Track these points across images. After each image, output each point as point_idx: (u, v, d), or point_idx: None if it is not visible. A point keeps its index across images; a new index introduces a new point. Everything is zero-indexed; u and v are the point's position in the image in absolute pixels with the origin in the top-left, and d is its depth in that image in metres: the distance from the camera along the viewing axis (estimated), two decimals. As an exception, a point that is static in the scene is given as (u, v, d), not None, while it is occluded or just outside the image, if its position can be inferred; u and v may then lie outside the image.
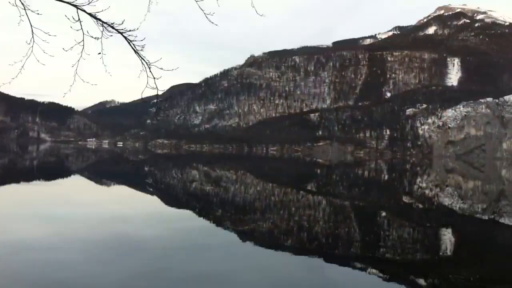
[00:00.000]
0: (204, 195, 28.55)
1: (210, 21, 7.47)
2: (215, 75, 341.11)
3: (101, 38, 7.41)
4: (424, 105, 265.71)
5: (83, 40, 7.39)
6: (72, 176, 42.57)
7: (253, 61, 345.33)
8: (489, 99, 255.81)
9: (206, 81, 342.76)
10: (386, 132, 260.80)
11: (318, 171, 68.94)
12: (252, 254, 13.38)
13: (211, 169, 62.19)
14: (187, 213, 21.08)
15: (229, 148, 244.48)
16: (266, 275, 11.20)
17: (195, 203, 25.16)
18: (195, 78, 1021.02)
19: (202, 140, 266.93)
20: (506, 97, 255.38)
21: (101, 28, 7.29)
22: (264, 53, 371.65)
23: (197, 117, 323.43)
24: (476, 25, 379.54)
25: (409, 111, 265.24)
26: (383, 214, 23.77)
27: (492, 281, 11.40)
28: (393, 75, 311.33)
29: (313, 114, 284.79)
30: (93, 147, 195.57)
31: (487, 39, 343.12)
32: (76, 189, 31.53)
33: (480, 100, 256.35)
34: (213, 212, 22.02)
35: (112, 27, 7.27)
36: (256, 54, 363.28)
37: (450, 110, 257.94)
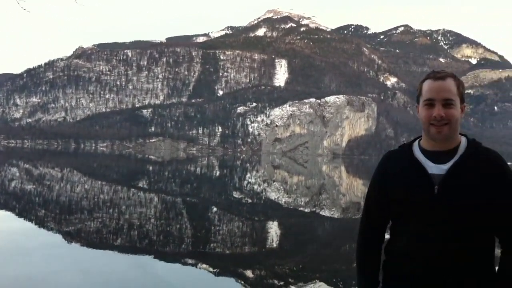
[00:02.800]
0: (24, 194, 26.35)
1: (22, 7, 6.75)
2: (39, 66, 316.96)
3: None
4: (254, 104, 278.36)
5: None
6: None
7: (81, 53, 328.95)
8: (312, 100, 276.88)
9: (29, 71, 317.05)
10: (218, 129, 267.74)
11: (150, 167, 68.03)
12: (78, 255, 12.58)
13: (33, 166, 57.93)
14: (3, 214, 19.21)
15: (54, 144, 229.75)
16: (94, 276, 10.60)
17: (13, 203, 23.06)
18: (17, 68, 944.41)
19: (23, 135, 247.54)
20: (327, 98, 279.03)
21: None
22: (93, 45, 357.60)
23: (17, 111, 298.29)
24: (302, 29, 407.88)
25: (240, 109, 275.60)
26: (214, 209, 24.15)
27: (312, 268, 12.15)
28: (225, 73, 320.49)
29: (145, 110, 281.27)
30: None
31: (311, 43, 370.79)
32: None
33: (304, 100, 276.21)
34: (34, 212, 20.39)
35: None
36: (85, 46, 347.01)
37: (277, 109, 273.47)
